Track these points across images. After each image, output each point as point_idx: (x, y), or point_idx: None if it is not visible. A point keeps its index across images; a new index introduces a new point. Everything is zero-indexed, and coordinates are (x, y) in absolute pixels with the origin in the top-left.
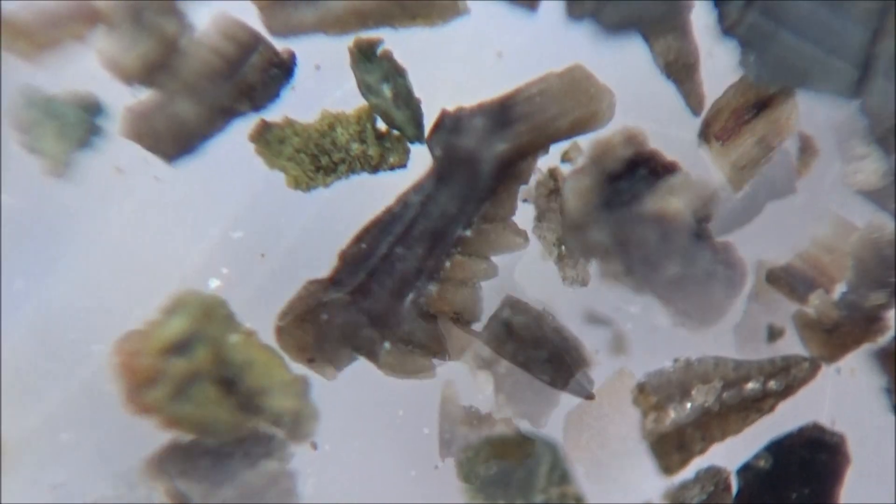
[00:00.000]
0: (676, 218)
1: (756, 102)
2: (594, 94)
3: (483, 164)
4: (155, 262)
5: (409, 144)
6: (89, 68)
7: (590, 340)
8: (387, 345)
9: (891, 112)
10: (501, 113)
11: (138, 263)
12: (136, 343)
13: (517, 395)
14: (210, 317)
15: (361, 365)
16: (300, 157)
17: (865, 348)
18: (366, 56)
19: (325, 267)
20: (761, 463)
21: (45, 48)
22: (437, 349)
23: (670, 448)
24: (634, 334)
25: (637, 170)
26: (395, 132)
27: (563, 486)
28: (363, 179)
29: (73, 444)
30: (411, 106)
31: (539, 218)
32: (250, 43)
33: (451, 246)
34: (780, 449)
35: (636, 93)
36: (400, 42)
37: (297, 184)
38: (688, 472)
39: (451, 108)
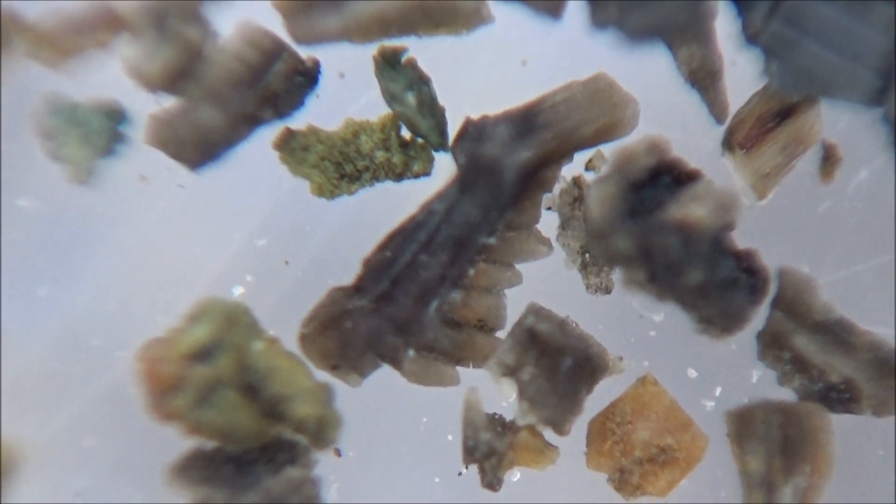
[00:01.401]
0: (699, 226)
1: (779, 111)
2: (618, 102)
3: (507, 172)
4: (178, 270)
5: (433, 152)
6: (113, 76)
7: (613, 347)
8: (411, 352)
9: None
10: (525, 121)
11: (162, 270)
12: (160, 350)
13: (541, 402)
14: (233, 324)
15: (385, 372)
16: (324, 164)
17: None
18: (390, 64)
19: (349, 274)
20: None
21: (70, 55)
22: (460, 356)
23: None
24: (657, 342)
25: (660, 178)
26: (420, 140)
27: None
28: (387, 187)
29: (96, 450)
30: (436, 114)
31: (563, 226)
32: (274, 50)
33: (474, 253)
34: None
35: (660, 101)
36: (424, 50)
37: (321, 191)
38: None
39: (475, 116)
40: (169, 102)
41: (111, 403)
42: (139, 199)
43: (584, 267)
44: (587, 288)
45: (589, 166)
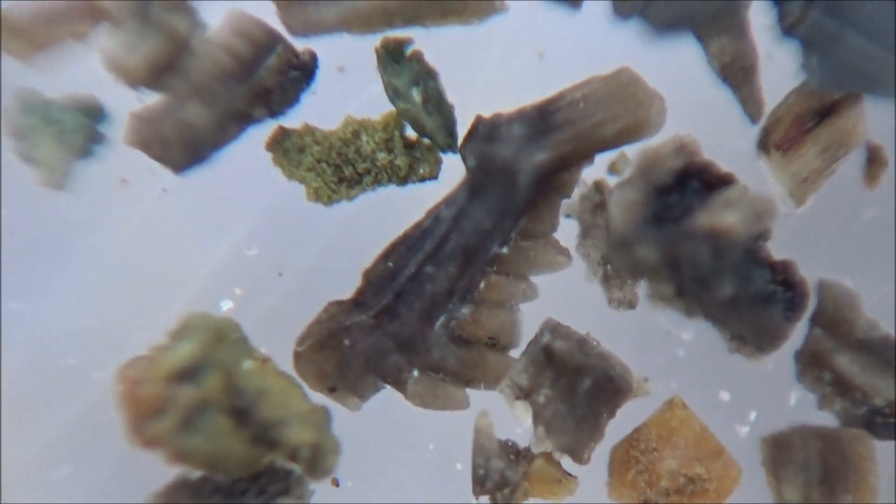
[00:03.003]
0: (731, 234)
1: (819, 109)
2: (643, 99)
3: (521, 175)
4: (161, 282)
5: (440, 154)
6: (91, 70)
7: (637, 367)
8: (415, 373)
9: None
10: (542, 119)
11: (143, 283)
12: (141, 369)
13: (558, 427)
14: (222, 341)
15: (387, 394)
16: (321, 167)
17: None
18: (394, 57)
19: (347, 287)
20: None
21: (43, 48)
22: (470, 377)
23: None
24: (686, 361)
25: (689, 182)
26: (426, 140)
27: None
28: (390, 192)
29: (70, 480)
30: (443, 112)
31: (583, 234)
32: (267, 42)
33: (486, 265)
34: None
35: (688, 98)
36: (431, 42)
37: (317, 196)
38: None
39: (486, 113)
40: (151, 99)
41: (87, 429)
42: (119, 204)
43: (605, 279)
44: (609, 302)
45: (611, 169)
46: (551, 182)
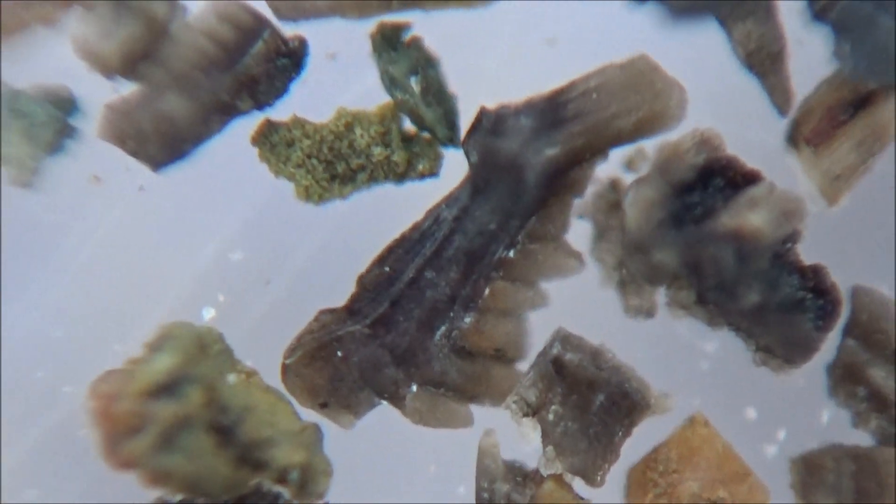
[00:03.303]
0: (757, 237)
1: (854, 100)
2: (661, 89)
3: (529, 171)
4: (138, 289)
5: (441, 149)
6: (62, 58)
7: (656, 381)
8: (414, 387)
9: None
10: (552, 111)
11: (118, 290)
12: (116, 384)
13: (569, 447)
14: (204, 353)
15: (384, 411)
16: (312, 163)
17: None
18: (390, 44)
19: (340, 294)
20: None
21: (10, 33)
22: (473, 392)
23: None
24: (709, 375)
25: (711, 180)
26: (425, 134)
27: None
28: (387, 190)
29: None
30: (444, 103)
31: (597, 237)
32: (253, 28)
33: (491, 270)
34: None
35: (711, 88)
36: (431, 27)
37: (308, 195)
38: None
39: (491, 105)
40: (127, 89)
41: (58, 448)
42: (92, 204)
43: (621, 286)
44: (626, 311)
45: (627, 166)
46: (562, 179)
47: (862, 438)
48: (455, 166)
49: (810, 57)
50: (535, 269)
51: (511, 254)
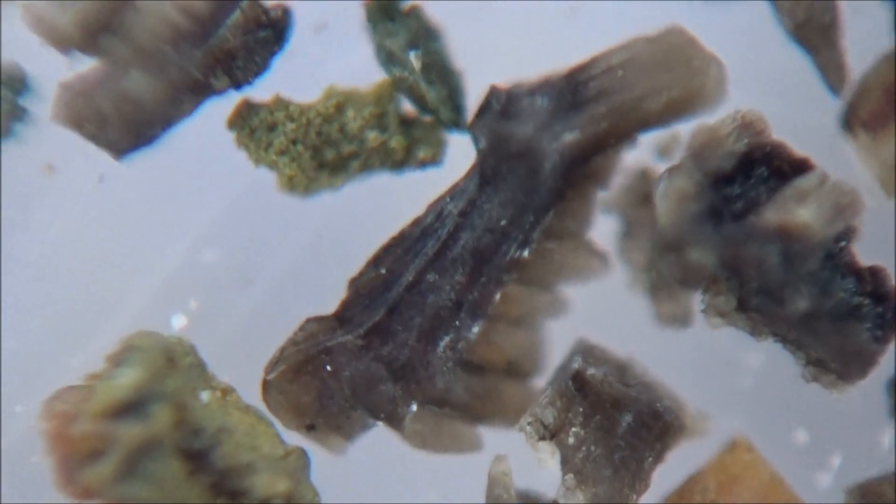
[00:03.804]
0: (807, 234)
1: None
2: (697, 65)
3: (546, 159)
4: (98, 293)
5: (444, 133)
6: (11, 31)
7: (693, 400)
8: (414, 406)
9: None
10: (572, 91)
11: (76, 294)
12: (74, 402)
13: (591, 475)
14: (173, 367)
15: (379, 434)
16: (297, 149)
17: None
18: (387, 13)
19: (330, 300)
20: None
21: None
22: (482, 412)
23: None
24: (753, 392)
25: (754, 169)
26: (427, 116)
27: None
28: (382, 181)
29: None
30: (448, 81)
31: (624, 234)
32: None
33: (502, 272)
34: None
35: (754, 64)
36: None
37: (292, 186)
38: None
39: (502, 83)
40: (86, 66)
41: (8, 475)
42: (45, 196)
43: (652, 290)
44: (657, 318)
45: (659, 153)
46: (583, 169)
47: None
48: (461, 153)
49: (868, 29)
50: (552, 271)
51: (525, 253)
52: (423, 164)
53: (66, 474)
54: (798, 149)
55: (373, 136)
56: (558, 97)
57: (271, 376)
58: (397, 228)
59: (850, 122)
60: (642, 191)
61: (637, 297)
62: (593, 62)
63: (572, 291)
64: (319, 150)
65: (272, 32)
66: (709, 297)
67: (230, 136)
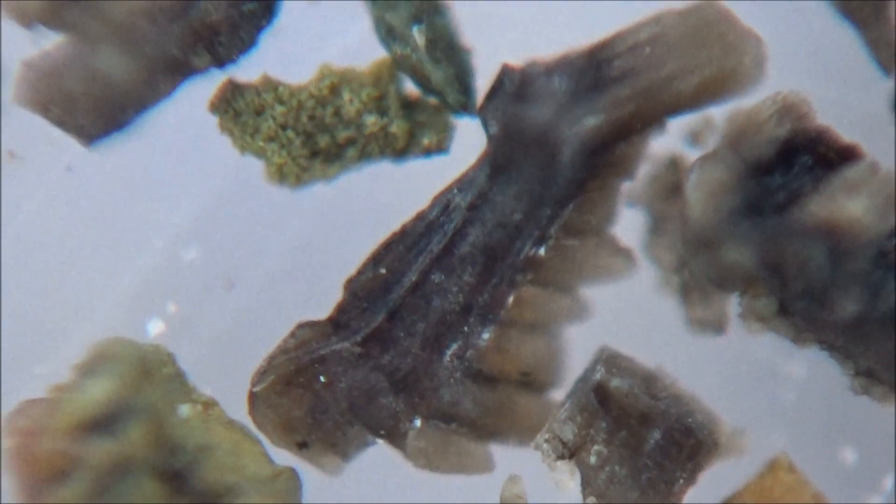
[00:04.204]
0: (856, 230)
1: None
2: (733, 41)
3: (565, 147)
4: (66, 295)
5: (451, 117)
6: None
7: (729, 414)
8: (418, 421)
9: None
10: (593, 70)
11: (42, 296)
12: (39, 417)
13: (616, 497)
14: (149, 378)
15: (379, 452)
16: (287, 136)
17: None
18: None
19: (323, 303)
20: None
21: None
22: (493, 428)
23: None
24: (796, 406)
25: (797, 157)
26: (431, 99)
27: None
28: (382, 170)
29: None
30: (455, 59)
31: (652, 229)
32: None
33: (515, 272)
34: None
35: (797, 40)
36: None
37: (282, 176)
38: None
39: (516, 61)
40: (53, 43)
41: None
42: (6, 187)
43: (683, 292)
44: (689, 323)
45: (691, 139)
46: (606, 157)
47: None
48: (470, 140)
49: None
50: (571, 271)
51: (541, 251)
52: (428, 152)
53: (31, 496)
54: (846, 135)
55: (371, 121)
56: (579, 77)
57: (259, 388)
58: (399, 223)
59: None
60: (672, 182)
61: (666, 301)
62: (617, 38)
63: (594, 294)
64: (312, 136)
65: (259, 5)
66: (747, 301)
67: (213, 121)
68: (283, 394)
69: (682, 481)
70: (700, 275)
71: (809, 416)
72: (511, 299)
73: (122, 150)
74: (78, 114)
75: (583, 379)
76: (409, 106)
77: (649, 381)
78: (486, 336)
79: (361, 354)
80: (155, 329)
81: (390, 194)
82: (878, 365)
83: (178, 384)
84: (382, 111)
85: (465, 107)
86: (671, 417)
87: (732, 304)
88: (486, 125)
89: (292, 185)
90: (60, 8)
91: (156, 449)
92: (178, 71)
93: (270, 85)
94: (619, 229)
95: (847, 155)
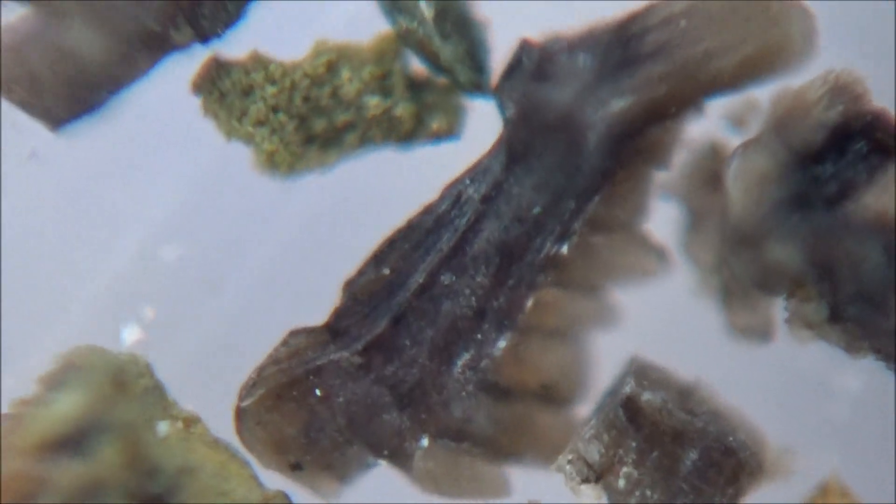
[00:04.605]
0: None
1: None
2: (778, 14)
3: (590, 132)
4: (32, 299)
5: (463, 98)
6: None
7: (774, 432)
8: (425, 440)
9: None
10: (622, 46)
11: (3, 300)
12: (2, 435)
13: None
14: (124, 391)
15: (382, 474)
16: (278, 119)
17: None
18: None
19: (319, 307)
20: None
21: None
22: (510, 447)
23: None
24: (849, 423)
25: (850, 143)
26: (441, 78)
27: None
28: (386, 158)
29: None
30: (468, 33)
31: (688, 225)
32: None
33: (535, 272)
34: None
35: (850, 13)
36: None
37: (272, 164)
38: None
39: (535, 37)
40: (15, 16)
41: None
42: None
43: (724, 294)
44: (730, 330)
45: (732, 124)
46: (637, 143)
47: None
48: (483, 124)
49: None
50: (598, 271)
51: (564, 249)
52: (437, 137)
53: None
54: None
55: (373, 103)
56: (605, 54)
57: (247, 403)
58: (404, 218)
59: None
60: (711, 171)
61: (704, 305)
62: (649, 10)
63: (623, 297)
64: (306, 119)
65: None
66: (794, 305)
67: (195, 103)
68: (275, 409)
69: None
70: (742, 276)
71: (864, 435)
72: (530, 303)
73: (94, 136)
74: (44, 95)
75: (611, 392)
76: (415, 86)
77: (685, 394)
78: (501, 344)
79: (362, 365)
80: (130, 336)
81: (394, 185)
82: None
83: (157, 398)
84: (385, 92)
85: (478, 87)
86: (709, 436)
87: (778, 309)
88: (501, 107)
89: (284, 174)
90: None
91: (131, 471)
92: (155, 47)
93: (260, 62)
94: (651, 225)
95: None
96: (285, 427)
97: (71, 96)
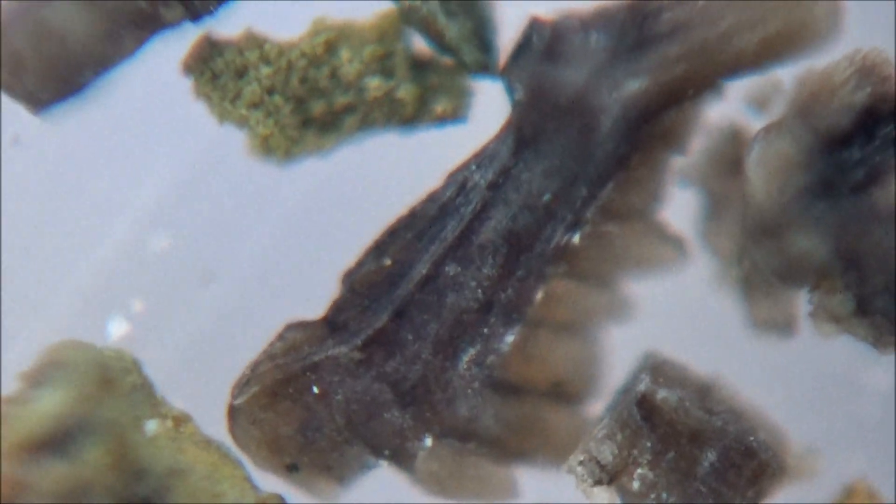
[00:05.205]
0: None
1: None
2: None
3: (604, 115)
4: (14, 291)
5: (469, 80)
6: None
7: (798, 432)
8: (428, 440)
9: None
10: (637, 25)
11: None
12: None
13: None
14: (110, 389)
15: (383, 475)
16: (274, 101)
17: None
18: None
19: (316, 299)
20: None
21: None
22: (518, 447)
23: None
24: (877, 422)
25: (878, 128)
26: (446, 58)
27: None
28: (387, 142)
29: None
30: (474, 11)
31: (707, 213)
32: None
33: (545, 263)
34: None
35: None
36: None
37: (267, 149)
38: None
39: (545, 15)
40: None
41: None
42: None
43: (745, 286)
44: (751, 324)
45: (754, 106)
46: (653, 127)
47: None
48: (490, 106)
49: None
50: (611, 262)
51: (576, 239)
52: (441, 120)
53: None
54: None
55: (374, 84)
56: (620, 33)
57: (240, 401)
58: (406, 206)
59: None
60: (731, 156)
61: (724, 297)
62: None
63: (638, 289)
64: (304, 101)
65: None
66: (819, 297)
67: (186, 84)
68: (270, 407)
69: None
70: (764, 267)
71: (893, 434)
72: (539, 295)
73: (79, 119)
74: (26, 76)
75: (624, 390)
76: (418, 66)
77: (703, 392)
78: (509, 339)
79: (362, 361)
80: (117, 331)
81: (396, 171)
82: None
83: (145, 396)
84: (387, 72)
85: (485, 67)
86: (729, 435)
87: (802, 302)
88: (510, 89)
89: (280, 159)
90: None
91: (118, 473)
92: (144, 25)
93: (254, 42)
94: (668, 213)
95: None
96: (281, 426)
97: (54, 77)
